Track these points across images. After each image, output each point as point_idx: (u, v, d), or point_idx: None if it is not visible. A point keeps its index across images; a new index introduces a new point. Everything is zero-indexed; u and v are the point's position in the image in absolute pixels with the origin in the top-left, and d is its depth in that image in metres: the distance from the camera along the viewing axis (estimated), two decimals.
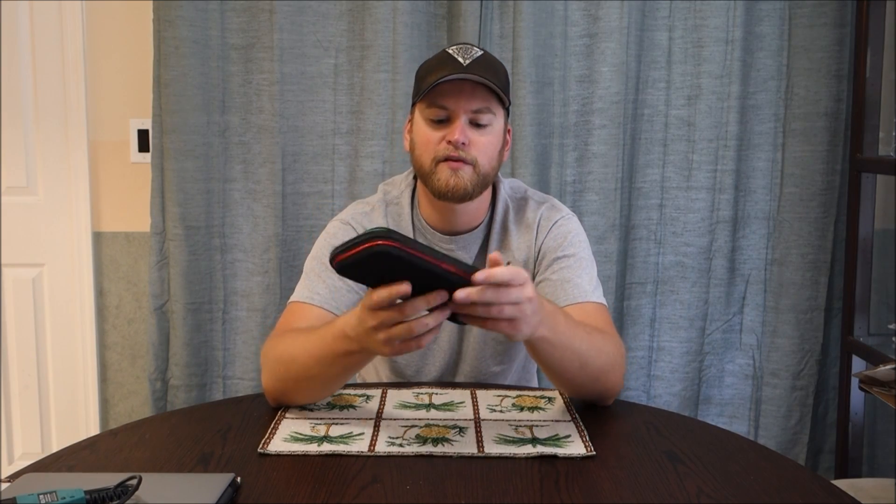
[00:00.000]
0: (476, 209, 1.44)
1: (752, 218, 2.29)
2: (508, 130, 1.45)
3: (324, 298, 1.36)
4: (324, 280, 1.38)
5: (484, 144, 1.36)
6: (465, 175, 1.35)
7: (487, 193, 1.45)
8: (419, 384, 1.43)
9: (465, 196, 1.36)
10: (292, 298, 1.39)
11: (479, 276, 1.00)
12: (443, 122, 1.36)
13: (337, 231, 1.45)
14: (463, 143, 1.33)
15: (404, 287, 0.99)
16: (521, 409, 1.28)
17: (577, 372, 1.22)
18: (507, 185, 1.50)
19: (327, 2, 2.21)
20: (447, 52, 1.37)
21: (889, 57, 2.17)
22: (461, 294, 1.00)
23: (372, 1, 2.19)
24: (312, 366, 1.20)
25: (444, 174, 1.35)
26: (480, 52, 1.37)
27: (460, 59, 1.34)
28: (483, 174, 1.36)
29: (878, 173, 2.13)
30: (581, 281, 1.38)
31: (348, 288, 1.38)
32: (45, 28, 2.33)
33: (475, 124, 1.35)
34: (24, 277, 2.40)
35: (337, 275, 1.37)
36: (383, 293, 1.00)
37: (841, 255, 2.25)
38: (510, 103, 1.43)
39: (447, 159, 1.34)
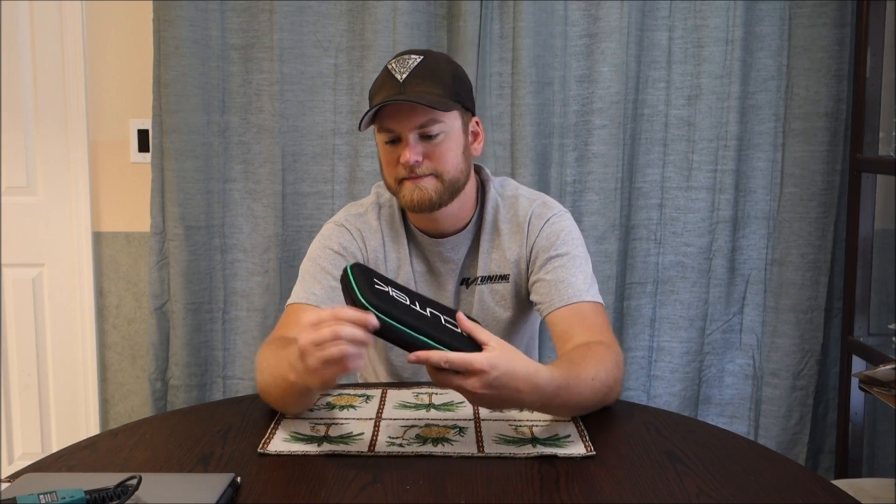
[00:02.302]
0: (459, 210, 1.43)
1: (752, 218, 2.29)
2: (477, 122, 1.44)
3: (320, 299, 1.36)
4: (319, 281, 1.38)
5: (440, 153, 1.35)
6: (429, 186, 1.34)
7: (470, 193, 1.44)
8: (419, 384, 1.43)
9: (433, 206, 1.36)
10: (289, 301, 1.40)
11: (434, 355, 1.03)
12: (396, 142, 1.35)
13: (332, 233, 1.45)
14: (417, 162, 1.33)
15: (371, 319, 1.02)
16: (521, 408, 1.28)
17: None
18: (497, 184, 1.49)
19: (327, 2, 2.21)
20: (386, 69, 1.36)
21: (889, 57, 2.17)
22: (412, 357, 1.04)
23: (372, 1, 2.19)
24: (270, 383, 1.21)
25: (407, 190, 1.35)
26: (418, 60, 1.34)
27: (397, 76, 1.33)
28: (449, 180, 1.36)
29: (878, 173, 2.13)
30: (575, 280, 1.38)
31: None
32: (45, 28, 2.33)
33: (427, 136, 1.34)
34: (24, 277, 2.40)
35: (332, 276, 1.38)
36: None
37: (841, 255, 2.25)
38: (462, 98, 1.38)
39: (407, 178, 1.35)
